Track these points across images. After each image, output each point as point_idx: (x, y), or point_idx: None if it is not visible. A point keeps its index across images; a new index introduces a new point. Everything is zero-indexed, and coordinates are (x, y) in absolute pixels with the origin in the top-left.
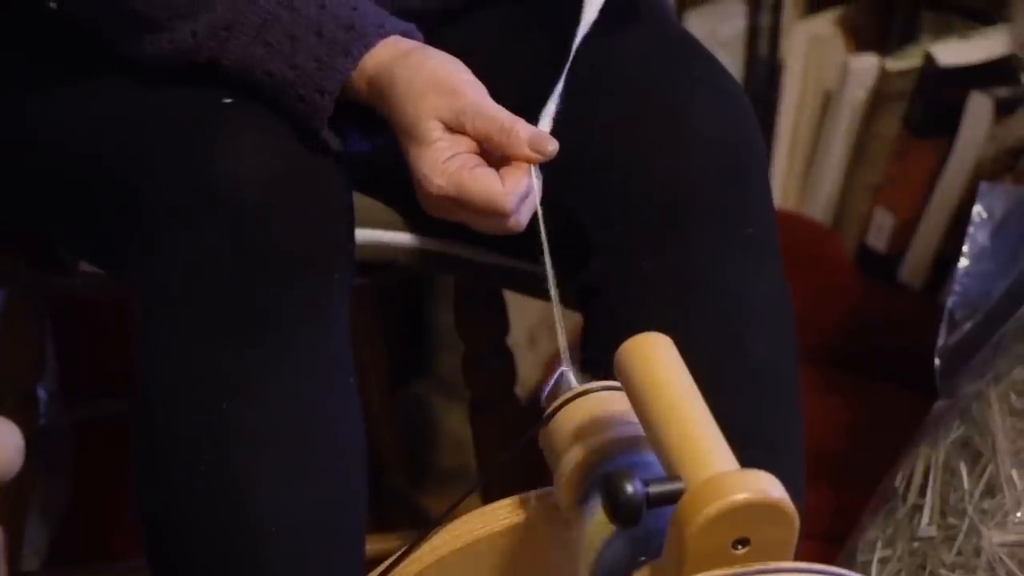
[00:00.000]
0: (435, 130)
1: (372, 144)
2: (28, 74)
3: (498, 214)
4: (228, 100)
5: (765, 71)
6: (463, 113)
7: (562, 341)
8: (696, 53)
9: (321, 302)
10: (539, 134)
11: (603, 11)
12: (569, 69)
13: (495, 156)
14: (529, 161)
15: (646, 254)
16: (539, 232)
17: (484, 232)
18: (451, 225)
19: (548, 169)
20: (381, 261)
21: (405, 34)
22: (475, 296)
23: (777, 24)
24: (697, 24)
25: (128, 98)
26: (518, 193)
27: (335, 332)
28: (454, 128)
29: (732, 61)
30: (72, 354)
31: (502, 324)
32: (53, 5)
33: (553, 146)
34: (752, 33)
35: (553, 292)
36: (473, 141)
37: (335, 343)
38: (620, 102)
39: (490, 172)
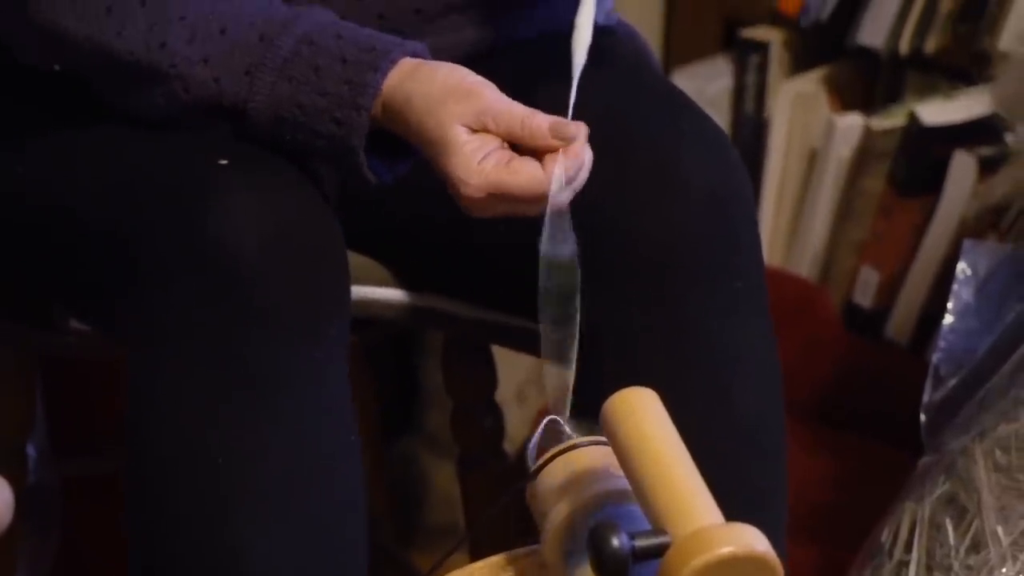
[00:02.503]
0: (461, 134)
1: (396, 174)
2: (20, 131)
3: (542, 199)
4: (223, 161)
5: (751, 129)
6: (484, 113)
7: (550, 390)
8: (684, 107)
9: (317, 359)
10: (559, 122)
11: (593, 62)
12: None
13: (522, 149)
14: (553, 149)
15: (635, 307)
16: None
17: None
18: (440, 281)
19: (533, 221)
20: (371, 317)
21: (415, 54)
22: (463, 352)
23: (763, 83)
24: (684, 82)
25: (121, 157)
26: (559, 175)
27: (333, 388)
28: (478, 129)
29: (719, 119)
30: (61, 411)
31: (490, 380)
32: (57, 67)
33: (574, 130)
34: (738, 91)
35: (544, 342)
36: (498, 138)
37: (333, 399)
38: (609, 155)
39: (527, 160)
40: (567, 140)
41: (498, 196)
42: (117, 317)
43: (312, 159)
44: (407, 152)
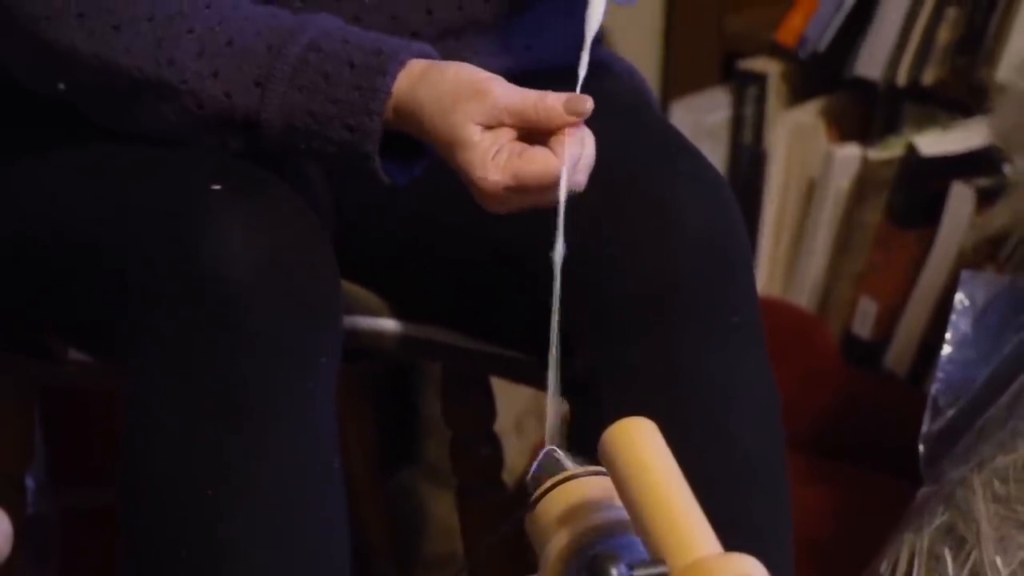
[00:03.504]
0: (475, 132)
1: (412, 175)
2: (13, 158)
3: (557, 184)
4: (216, 187)
5: (750, 160)
6: (495, 108)
7: (550, 418)
8: (679, 146)
9: (308, 387)
10: (573, 97)
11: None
12: None
13: (538, 135)
14: (569, 125)
15: (632, 344)
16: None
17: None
18: (436, 311)
19: (532, 256)
20: (369, 348)
21: (422, 55)
22: (462, 383)
23: (761, 114)
24: (682, 114)
25: (114, 184)
26: (572, 157)
27: (321, 416)
28: (492, 126)
29: (717, 150)
30: (60, 443)
31: (489, 411)
32: (61, 87)
33: (589, 104)
34: (737, 123)
35: (552, 370)
36: (512, 131)
37: (321, 427)
38: (605, 195)
39: (540, 149)
40: (583, 114)
41: (515, 188)
42: (112, 344)
43: (327, 165)
44: (421, 152)
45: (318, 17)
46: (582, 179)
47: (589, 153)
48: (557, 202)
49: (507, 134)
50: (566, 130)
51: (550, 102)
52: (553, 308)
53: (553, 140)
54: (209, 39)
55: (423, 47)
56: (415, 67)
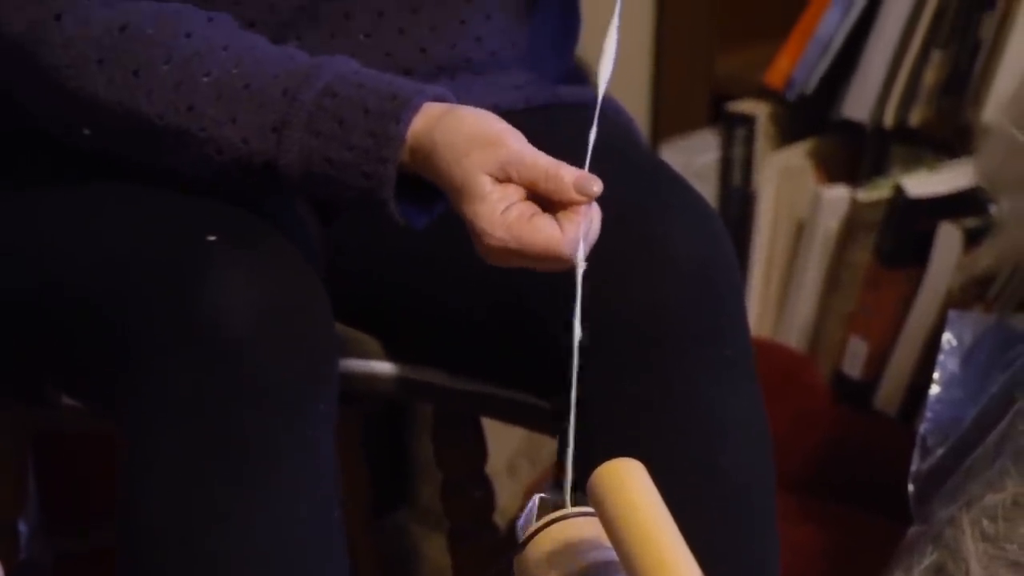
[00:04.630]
0: (486, 184)
1: (432, 216)
2: (10, 206)
3: (557, 260)
4: (212, 237)
5: (739, 201)
6: (508, 163)
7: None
8: (670, 179)
9: (306, 435)
10: (583, 176)
11: (579, 138)
12: None
13: (546, 200)
14: (575, 203)
15: (622, 378)
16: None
17: (543, 271)
18: (430, 353)
19: (527, 296)
20: (361, 390)
21: (438, 98)
22: (453, 424)
23: (750, 156)
24: (672, 155)
25: (111, 233)
26: (576, 238)
27: (320, 464)
28: (502, 179)
29: (706, 192)
30: (54, 488)
31: (480, 452)
32: (87, 132)
33: (598, 186)
34: (726, 164)
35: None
36: (522, 188)
37: (320, 475)
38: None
39: (547, 221)
40: (591, 196)
41: (516, 251)
42: (109, 393)
43: (345, 206)
44: (440, 194)
45: (334, 59)
46: (582, 255)
47: (595, 229)
48: (555, 271)
49: (517, 192)
50: (579, 210)
51: (561, 175)
52: (571, 390)
53: (562, 215)
54: (226, 83)
55: (440, 90)
56: (434, 109)
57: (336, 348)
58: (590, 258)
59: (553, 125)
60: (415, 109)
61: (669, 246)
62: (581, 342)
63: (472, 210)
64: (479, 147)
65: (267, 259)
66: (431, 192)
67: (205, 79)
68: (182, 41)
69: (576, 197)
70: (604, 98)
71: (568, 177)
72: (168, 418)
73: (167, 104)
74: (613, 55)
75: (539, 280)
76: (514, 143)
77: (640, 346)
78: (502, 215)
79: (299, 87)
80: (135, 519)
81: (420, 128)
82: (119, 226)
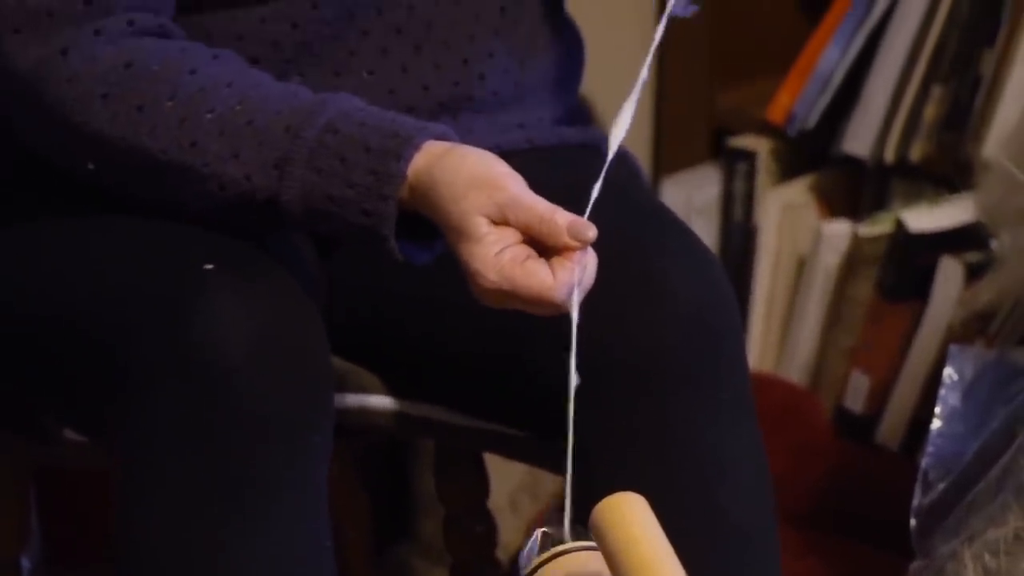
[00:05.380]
0: (482, 225)
1: (435, 253)
2: (6, 237)
3: (550, 306)
4: (209, 266)
5: (740, 236)
6: (506, 206)
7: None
8: (669, 221)
9: (300, 466)
10: (577, 221)
11: (581, 179)
12: None
13: (542, 244)
14: (569, 249)
15: (622, 417)
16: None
17: (536, 315)
18: (429, 389)
19: (525, 335)
20: (360, 425)
21: (441, 136)
22: (455, 459)
23: (751, 191)
24: (673, 191)
25: (108, 264)
26: (568, 284)
27: (313, 495)
28: (498, 221)
29: (708, 227)
30: (56, 523)
31: (482, 487)
32: (91, 167)
33: (592, 232)
34: (727, 199)
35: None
36: (518, 232)
37: (313, 507)
38: (598, 269)
39: (541, 265)
40: (585, 242)
41: (508, 294)
42: (105, 423)
43: (346, 241)
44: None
45: (338, 97)
46: (575, 300)
47: (590, 275)
48: (548, 315)
49: (513, 235)
50: (574, 255)
51: (556, 220)
52: (568, 435)
53: (556, 260)
54: (229, 119)
55: (443, 129)
56: (435, 148)
57: (332, 379)
58: (588, 298)
59: (556, 166)
60: (417, 147)
61: (668, 287)
62: (577, 387)
63: (467, 251)
64: (478, 188)
65: (263, 289)
66: (432, 230)
67: (209, 115)
68: (186, 78)
69: (569, 242)
70: (606, 138)
71: (563, 222)
72: (163, 449)
73: (170, 140)
74: (626, 128)
75: (537, 319)
76: (513, 186)
77: (638, 386)
78: (496, 257)
79: (302, 124)
80: (131, 550)
81: (421, 166)
82: (116, 256)
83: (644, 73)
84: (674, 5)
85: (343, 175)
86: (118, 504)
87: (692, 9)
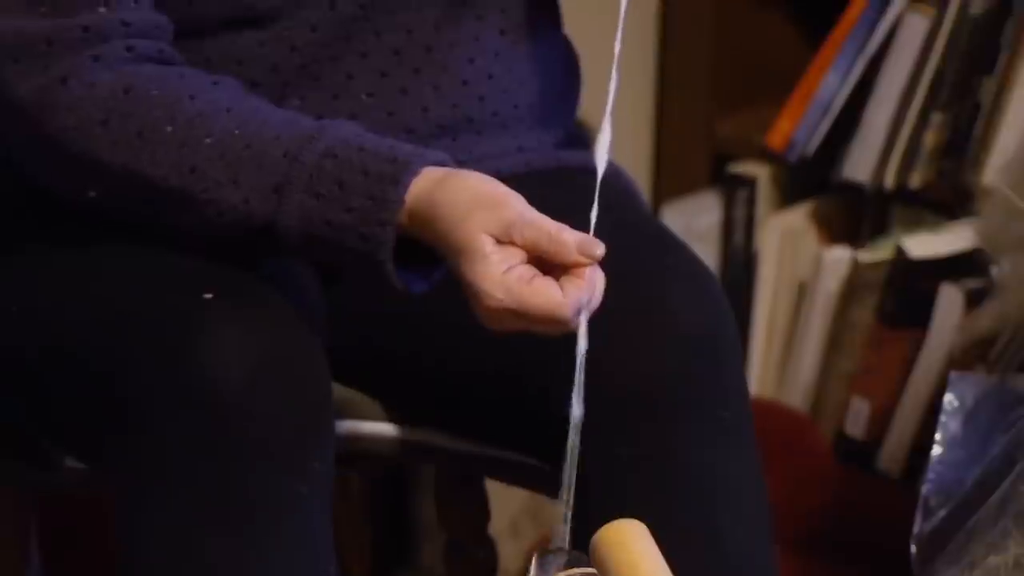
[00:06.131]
0: (487, 244)
1: (432, 282)
2: (4, 266)
3: (559, 323)
4: (209, 295)
5: (741, 262)
6: (512, 225)
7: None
8: (669, 243)
9: (302, 492)
10: (586, 239)
11: (580, 202)
12: None
13: (547, 264)
14: (579, 266)
15: (623, 441)
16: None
17: (541, 335)
18: (430, 414)
19: (526, 360)
20: (361, 451)
21: (439, 163)
22: (456, 485)
23: (752, 217)
24: (673, 217)
25: (107, 293)
26: (578, 301)
27: (316, 523)
28: (503, 240)
29: (708, 253)
30: (57, 551)
31: (483, 513)
32: (92, 194)
33: (601, 249)
34: (727, 226)
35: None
36: (523, 251)
37: (316, 534)
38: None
39: (549, 283)
40: (594, 258)
41: (516, 313)
42: (105, 450)
43: (345, 268)
44: (440, 260)
45: (337, 123)
46: (584, 319)
47: (598, 294)
48: (555, 334)
49: (518, 254)
50: (583, 272)
51: (564, 238)
52: (570, 470)
53: (565, 279)
54: (228, 144)
55: (440, 155)
56: (434, 173)
57: (332, 406)
58: (589, 321)
59: (556, 189)
60: (415, 172)
61: (669, 311)
62: (581, 414)
63: (472, 271)
64: (481, 208)
65: (264, 317)
66: (431, 258)
67: (208, 140)
68: (186, 103)
69: (579, 259)
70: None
71: (571, 240)
72: (165, 477)
73: (170, 165)
74: (614, 95)
75: (539, 343)
76: (517, 205)
77: (639, 410)
78: (503, 276)
79: (300, 149)
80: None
81: (420, 191)
82: (116, 284)
83: (617, 47)
84: None
85: (341, 200)
86: (120, 532)
87: None
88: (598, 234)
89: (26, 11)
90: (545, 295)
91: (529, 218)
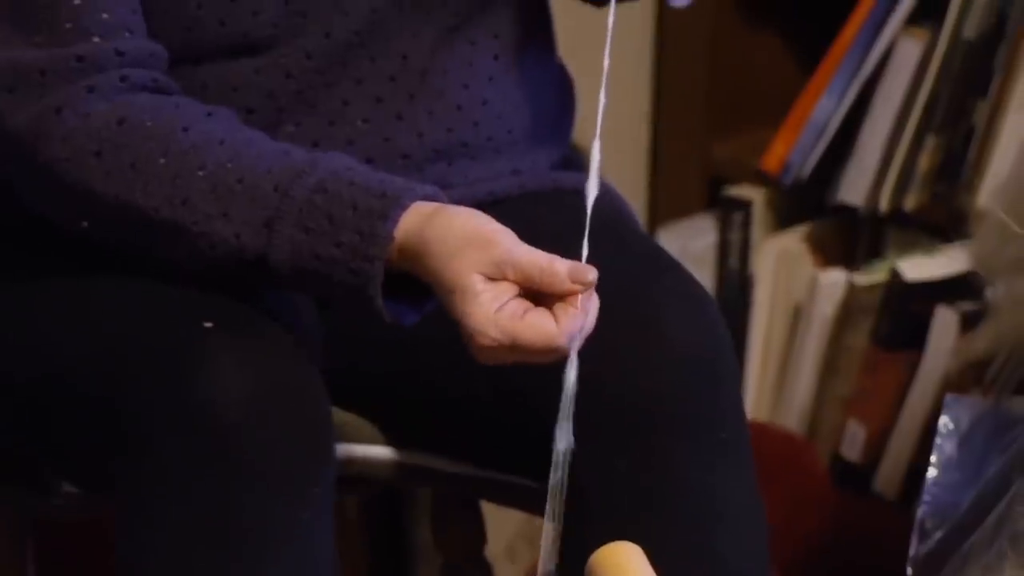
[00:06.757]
0: (478, 283)
1: (423, 313)
2: (5, 297)
3: (555, 354)
4: (208, 324)
5: (736, 285)
6: (502, 262)
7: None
8: (664, 263)
9: (303, 517)
10: (578, 267)
11: (576, 223)
12: None
13: (539, 295)
14: (573, 294)
15: (619, 461)
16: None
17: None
18: (427, 438)
19: (521, 382)
20: (358, 474)
21: (429, 197)
22: (452, 508)
23: (747, 240)
24: (669, 240)
25: (107, 320)
26: (573, 329)
27: (317, 548)
28: (495, 277)
29: (704, 276)
30: (55, 574)
31: (480, 536)
32: (85, 225)
33: (593, 275)
34: (723, 249)
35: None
36: (515, 286)
37: (317, 560)
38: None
39: (542, 315)
40: (587, 285)
41: (511, 347)
42: (105, 478)
43: (335, 302)
44: (430, 292)
45: (330, 156)
46: (575, 347)
47: (591, 322)
48: (550, 362)
49: (510, 289)
50: (577, 300)
51: (556, 268)
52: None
53: (558, 306)
54: (221, 177)
55: (431, 189)
56: (424, 208)
57: (332, 431)
58: (585, 342)
59: (550, 211)
60: (404, 208)
61: (665, 331)
62: (571, 439)
63: (463, 310)
64: (471, 247)
65: (262, 344)
66: (421, 289)
67: (200, 173)
68: (180, 135)
69: (572, 287)
70: (599, 183)
71: (563, 269)
72: (164, 504)
73: (162, 197)
74: (609, 75)
75: (534, 366)
76: (506, 241)
77: (635, 431)
78: (495, 314)
79: (291, 183)
80: None
81: (409, 226)
82: (115, 312)
83: (606, 65)
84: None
85: (331, 234)
86: (119, 558)
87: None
88: (593, 255)
89: (21, 41)
90: (539, 329)
91: (520, 253)
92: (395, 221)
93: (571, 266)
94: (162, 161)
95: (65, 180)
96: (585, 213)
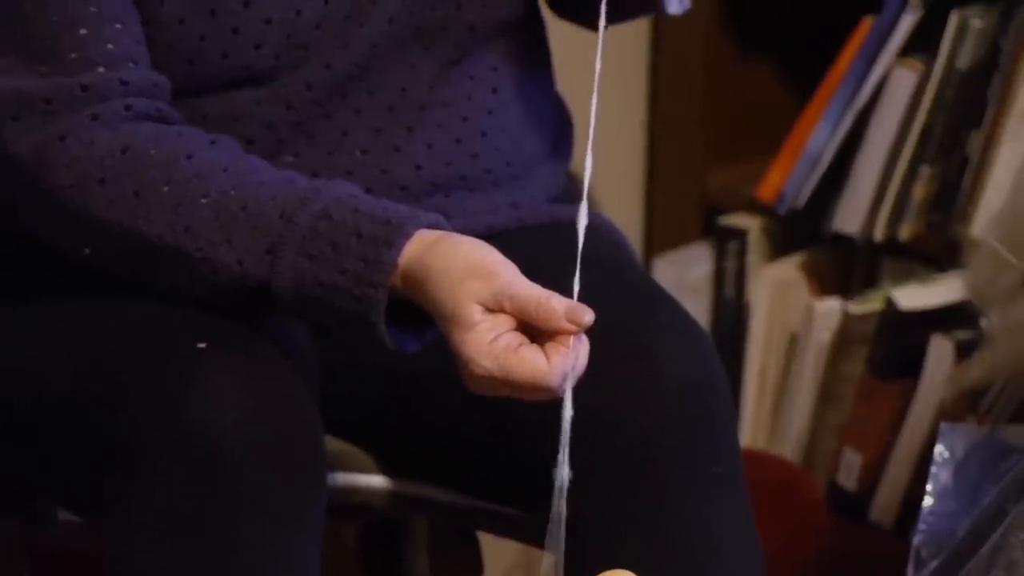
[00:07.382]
0: (476, 313)
1: (425, 341)
2: (2, 315)
3: (544, 391)
4: (202, 345)
5: (732, 314)
6: (501, 294)
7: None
8: (660, 298)
9: (293, 541)
10: (575, 307)
11: (572, 257)
12: None
13: (535, 330)
14: (567, 333)
15: (614, 495)
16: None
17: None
18: (423, 468)
19: (517, 413)
20: (353, 504)
21: (433, 225)
22: (449, 538)
23: (743, 269)
24: (665, 268)
25: (101, 342)
26: (563, 368)
27: (307, 571)
28: (493, 309)
29: (699, 304)
30: None
31: (476, 565)
32: (87, 251)
33: (589, 316)
34: (719, 277)
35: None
36: (512, 319)
37: None
38: (589, 347)
39: (535, 351)
40: (582, 326)
41: (502, 381)
42: (98, 501)
43: (337, 329)
44: (432, 319)
45: (333, 184)
46: (567, 387)
47: (582, 362)
48: (541, 400)
49: (507, 322)
50: (568, 340)
51: (552, 305)
52: (559, 532)
53: (549, 345)
54: (224, 204)
55: (434, 217)
56: (427, 236)
57: (324, 459)
58: (580, 376)
59: (547, 244)
60: (407, 235)
61: (661, 365)
62: (568, 473)
63: (460, 338)
64: (472, 277)
65: (257, 369)
66: (423, 317)
67: (204, 200)
68: (183, 163)
69: (566, 326)
70: (594, 214)
71: (559, 307)
72: (157, 529)
73: (165, 224)
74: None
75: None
76: (507, 274)
77: (631, 465)
78: (490, 345)
79: (296, 210)
80: None
81: (413, 254)
82: (110, 335)
83: (597, 75)
84: (669, 4)
85: (334, 261)
86: None
87: (685, 6)
88: (589, 289)
89: (26, 70)
90: (530, 364)
91: (518, 287)
92: (399, 249)
93: (568, 305)
94: (165, 189)
95: (68, 207)
96: (584, 246)
